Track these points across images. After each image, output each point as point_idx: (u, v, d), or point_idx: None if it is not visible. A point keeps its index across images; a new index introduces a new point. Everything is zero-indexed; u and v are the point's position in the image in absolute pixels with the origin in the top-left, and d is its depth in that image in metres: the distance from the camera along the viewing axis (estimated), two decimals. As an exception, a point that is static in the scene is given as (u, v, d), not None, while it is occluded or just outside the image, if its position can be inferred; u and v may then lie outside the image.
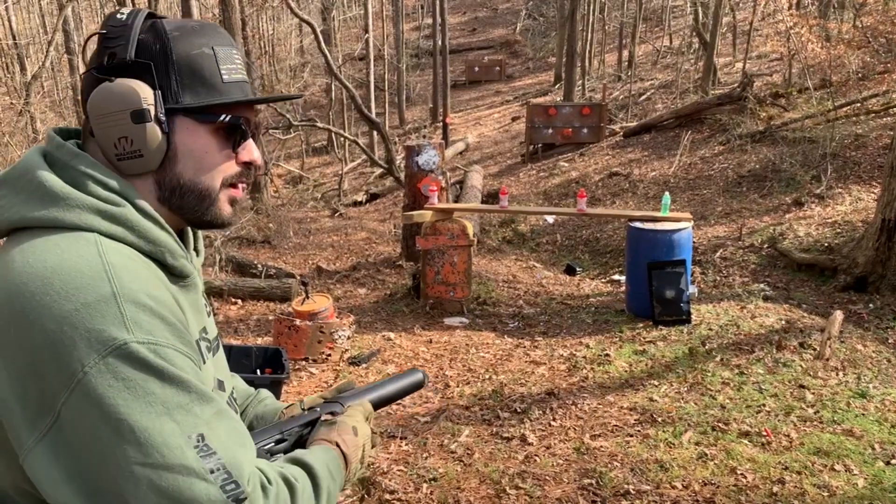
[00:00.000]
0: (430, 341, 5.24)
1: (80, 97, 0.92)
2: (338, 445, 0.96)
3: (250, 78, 0.92)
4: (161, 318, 0.76)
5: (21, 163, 0.85)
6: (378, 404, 1.10)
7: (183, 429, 0.73)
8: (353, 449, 0.98)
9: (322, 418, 1.01)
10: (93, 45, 0.91)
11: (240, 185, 0.95)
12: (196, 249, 1.01)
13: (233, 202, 0.94)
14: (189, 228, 1.00)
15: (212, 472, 0.72)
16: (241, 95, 0.91)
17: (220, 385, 0.97)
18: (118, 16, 0.87)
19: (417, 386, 1.16)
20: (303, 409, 1.07)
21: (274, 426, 0.98)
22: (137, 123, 0.83)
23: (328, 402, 1.07)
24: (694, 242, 6.40)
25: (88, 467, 0.71)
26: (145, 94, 0.84)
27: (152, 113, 0.84)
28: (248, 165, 0.95)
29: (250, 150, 0.94)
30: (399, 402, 4.16)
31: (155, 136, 0.85)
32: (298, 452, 0.92)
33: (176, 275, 0.89)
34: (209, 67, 0.88)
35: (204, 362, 0.90)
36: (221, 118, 0.89)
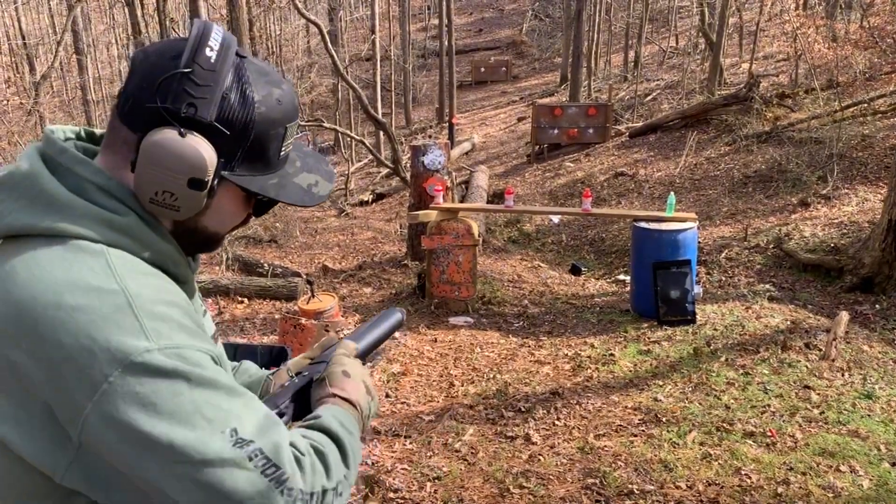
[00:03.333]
0: (435, 340, 5.25)
1: (120, 106, 0.84)
2: (338, 396, 0.95)
3: None
4: (177, 323, 0.77)
5: (21, 166, 0.81)
6: (365, 352, 1.08)
7: (215, 425, 0.74)
8: (356, 391, 0.97)
9: (315, 379, 0.99)
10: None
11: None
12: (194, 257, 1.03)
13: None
14: None
15: (250, 458, 0.74)
16: (289, 168, 0.94)
17: None
18: (208, 53, 0.81)
19: (398, 325, 1.14)
20: (290, 376, 1.05)
21: (267, 401, 0.94)
22: (191, 189, 0.82)
23: (314, 363, 1.04)
24: (699, 243, 6.39)
25: (122, 479, 0.75)
26: (211, 165, 0.82)
27: (209, 183, 0.83)
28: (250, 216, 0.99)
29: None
30: (404, 400, 4.18)
31: (200, 201, 0.84)
32: (312, 418, 0.91)
33: (177, 280, 0.90)
34: (275, 147, 0.89)
35: None
36: (261, 197, 0.91)
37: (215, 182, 0.84)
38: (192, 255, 0.97)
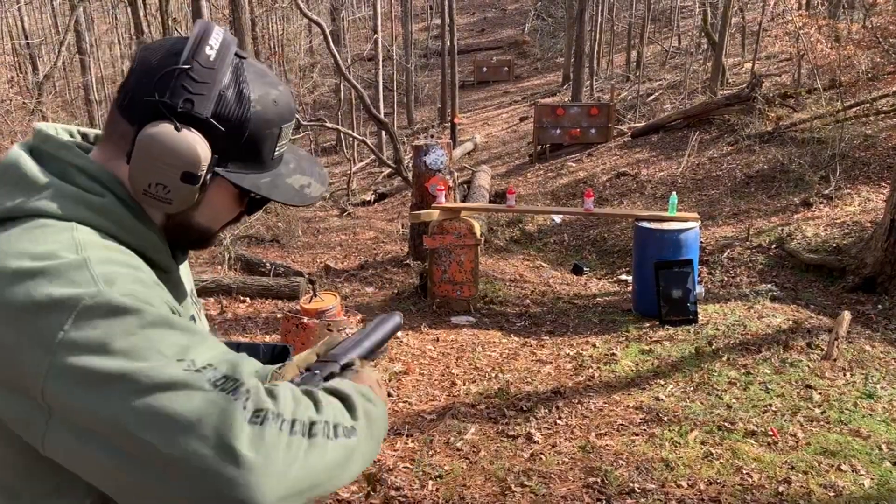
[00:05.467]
0: (437, 339, 5.26)
1: (119, 100, 0.86)
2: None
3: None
4: (133, 276, 0.76)
5: (5, 158, 0.84)
6: (368, 355, 1.08)
7: (170, 357, 0.70)
8: (377, 389, 0.94)
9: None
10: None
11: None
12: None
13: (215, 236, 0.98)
14: None
15: (208, 381, 0.70)
16: (283, 168, 0.93)
17: None
18: (207, 51, 0.83)
19: (397, 329, 1.17)
20: (301, 371, 1.00)
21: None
22: (183, 182, 0.83)
23: (322, 361, 1.02)
24: (701, 242, 6.39)
25: (94, 425, 0.68)
26: (204, 160, 0.83)
27: (202, 178, 0.84)
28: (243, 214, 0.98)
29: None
30: (406, 398, 4.19)
31: (192, 195, 0.86)
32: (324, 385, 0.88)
33: (158, 268, 0.89)
34: (269, 146, 0.90)
35: None
36: (253, 194, 0.91)
37: (208, 177, 0.85)
38: (181, 250, 0.96)
